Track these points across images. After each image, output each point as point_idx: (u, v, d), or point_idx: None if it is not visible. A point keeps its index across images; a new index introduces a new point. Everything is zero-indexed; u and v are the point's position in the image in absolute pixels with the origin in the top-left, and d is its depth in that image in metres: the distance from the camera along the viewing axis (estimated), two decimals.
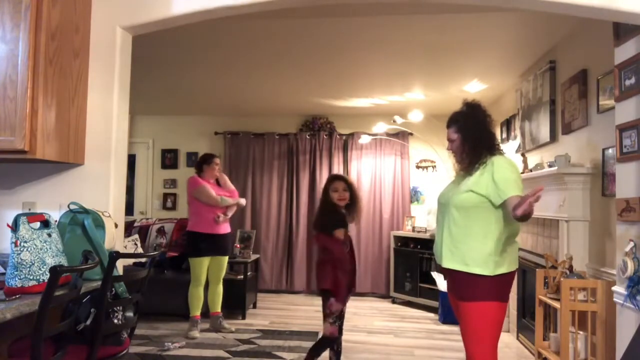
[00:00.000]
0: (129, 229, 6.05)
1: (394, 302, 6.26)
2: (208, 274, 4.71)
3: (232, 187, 4.87)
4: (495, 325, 2.28)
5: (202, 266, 4.59)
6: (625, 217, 2.45)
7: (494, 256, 2.24)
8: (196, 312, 4.63)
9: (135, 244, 5.79)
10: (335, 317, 3.08)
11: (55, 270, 1.60)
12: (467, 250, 2.28)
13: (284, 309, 5.68)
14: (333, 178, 3.25)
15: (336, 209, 3.13)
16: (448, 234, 2.35)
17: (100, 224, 2.16)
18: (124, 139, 2.61)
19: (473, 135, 2.39)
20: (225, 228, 4.70)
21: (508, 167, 2.30)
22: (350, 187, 3.18)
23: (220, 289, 4.78)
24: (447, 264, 2.34)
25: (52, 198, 2.44)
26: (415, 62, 4.43)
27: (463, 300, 2.30)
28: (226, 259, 4.78)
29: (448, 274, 2.39)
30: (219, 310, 4.78)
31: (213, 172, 4.70)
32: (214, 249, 4.60)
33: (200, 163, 4.76)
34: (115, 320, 2.13)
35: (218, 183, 4.82)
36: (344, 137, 6.87)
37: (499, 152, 2.41)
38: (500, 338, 2.33)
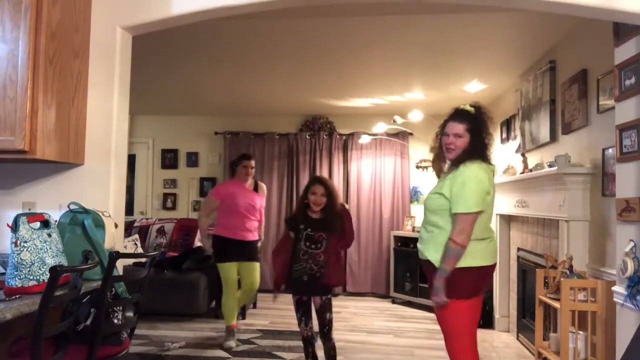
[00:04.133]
0: (129, 229, 6.06)
1: (394, 302, 6.26)
2: (241, 283, 4.42)
3: (263, 204, 4.53)
4: (466, 322, 2.42)
5: (229, 271, 4.29)
6: (625, 217, 2.45)
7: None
8: (232, 321, 4.34)
9: (135, 244, 5.79)
10: (298, 317, 3.19)
11: (55, 270, 1.61)
12: (437, 246, 2.42)
13: (284, 309, 5.67)
14: (314, 181, 3.24)
15: (305, 209, 3.19)
16: (428, 235, 2.49)
17: (100, 224, 2.16)
18: (124, 139, 2.61)
19: (480, 142, 2.46)
20: (251, 235, 4.36)
21: (467, 181, 2.37)
22: (329, 194, 3.16)
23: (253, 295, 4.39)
24: (423, 255, 2.49)
25: (52, 198, 2.44)
26: (415, 62, 4.43)
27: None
28: (256, 265, 4.40)
29: (426, 266, 2.51)
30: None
31: (243, 175, 4.38)
32: (238, 255, 4.28)
33: (231, 165, 4.56)
34: (115, 320, 2.13)
35: (256, 188, 4.49)
36: (344, 137, 6.86)
37: (486, 156, 2.49)
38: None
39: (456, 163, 2.46)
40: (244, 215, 4.28)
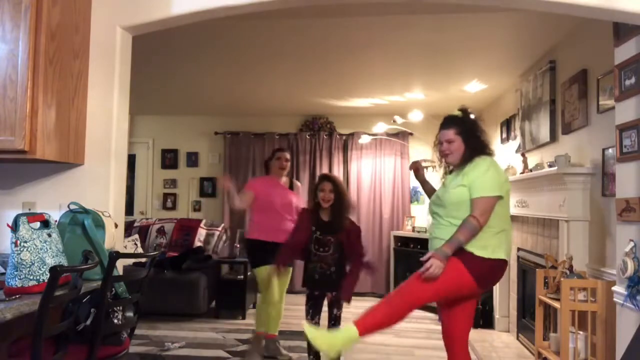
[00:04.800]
0: (129, 229, 6.05)
1: None
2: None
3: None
4: (450, 286, 2.39)
5: (267, 274, 3.71)
6: (625, 217, 2.45)
7: (490, 242, 2.41)
8: (264, 327, 3.90)
9: (135, 244, 5.79)
10: (307, 309, 3.24)
11: (55, 270, 1.61)
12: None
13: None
14: (322, 178, 3.30)
15: (316, 208, 3.22)
16: (450, 229, 2.45)
17: (100, 224, 2.16)
18: (124, 139, 2.61)
19: (473, 138, 2.54)
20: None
21: (488, 169, 2.45)
22: (337, 190, 3.21)
23: (282, 307, 3.95)
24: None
25: (52, 198, 2.44)
26: (415, 62, 4.43)
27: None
28: (289, 271, 3.89)
29: None
30: (276, 332, 3.94)
31: (276, 168, 3.96)
32: (274, 258, 3.61)
33: (265, 163, 4.15)
34: (115, 320, 2.13)
35: (292, 187, 4.05)
36: (344, 137, 6.87)
37: (489, 153, 2.57)
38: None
39: (461, 165, 2.54)
40: (280, 214, 3.80)
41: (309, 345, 3.28)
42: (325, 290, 3.22)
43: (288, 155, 4.01)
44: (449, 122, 2.60)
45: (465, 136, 2.53)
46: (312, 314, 3.22)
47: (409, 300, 2.39)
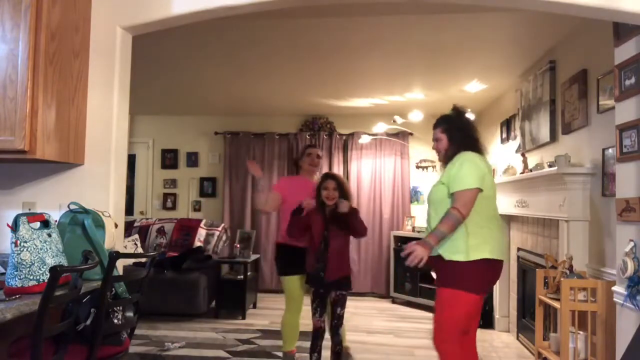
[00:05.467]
0: (129, 229, 6.05)
1: (394, 302, 6.26)
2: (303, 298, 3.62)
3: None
4: (457, 315, 2.46)
5: (293, 285, 3.52)
6: (625, 217, 2.45)
7: (467, 242, 2.42)
8: (291, 345, 3.61)
9: (135, 244, 5.79)
10: (313, 307, 3.28)
11: (55, 270, 1.60)
12: (450, 241, 2.46)
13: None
14: (325, 177, 3.35)
15: (323, 209, 3.27)
16: (430, 225, 2.55)
17: (100, 224, 2.16)
18: (124, 139, 2.61)
19: (458, 136, 2.61)
20: None
21: (463, 163, 2.49)
22: (340, 187, 3.27)
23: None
24: (435, 251, 2.51)
25: (52, 198, 2.44)
26: (415, 62, 4.43)
27: (437, 286, 2.56)
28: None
29: (433, 263, 2.56)
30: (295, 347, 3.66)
31: (307, 165, 3.67)
32: (304, 265, 3.41)
33: (295, 162, 3.84)
34: (115, 320, 2.13)
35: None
36: (344, 137, 6.87)
37: (478, 150, 2.60)
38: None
39: (446, 162, 2.62)
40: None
41: (312, 345, 3.30)
42: (330, 288, 3.25)
43: (320, 152, 3.73)
44: (437, 121, 2.70)
45: (450, 134, 2.61)
46: (320, 312, 3.27)
47: (449, 351, 2.50)
